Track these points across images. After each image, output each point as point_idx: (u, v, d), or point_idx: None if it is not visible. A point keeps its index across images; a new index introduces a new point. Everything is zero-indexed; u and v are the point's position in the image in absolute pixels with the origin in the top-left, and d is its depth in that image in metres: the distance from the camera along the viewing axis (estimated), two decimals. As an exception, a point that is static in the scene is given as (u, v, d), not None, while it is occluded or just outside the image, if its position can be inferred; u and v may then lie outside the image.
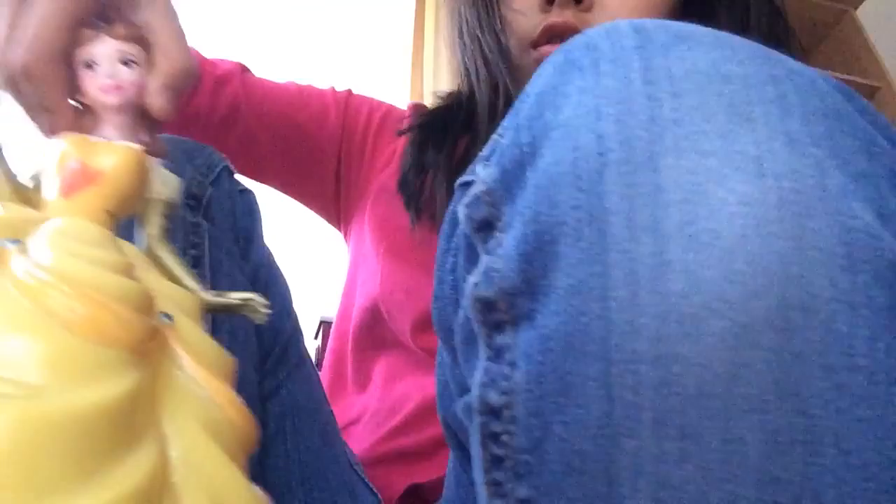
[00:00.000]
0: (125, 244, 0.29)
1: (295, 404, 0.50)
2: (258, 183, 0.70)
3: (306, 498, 0.48)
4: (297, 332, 0.54)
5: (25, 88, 0.33)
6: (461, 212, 0.28)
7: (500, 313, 0.26)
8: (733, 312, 0.21)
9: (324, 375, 0.69)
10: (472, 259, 0.28)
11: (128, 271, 0.25)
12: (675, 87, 0.23)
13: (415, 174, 0.62)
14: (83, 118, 0.33)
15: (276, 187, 0.73)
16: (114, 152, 0.31)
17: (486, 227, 0.27)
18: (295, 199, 0.74)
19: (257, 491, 0.25)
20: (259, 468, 0.46)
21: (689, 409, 0.21)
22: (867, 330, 0.21)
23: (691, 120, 0.23)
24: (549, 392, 0.24)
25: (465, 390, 0.29)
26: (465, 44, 0.63)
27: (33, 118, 0.34)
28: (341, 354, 0.68)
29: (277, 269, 0.54)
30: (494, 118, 0.58)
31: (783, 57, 0.25)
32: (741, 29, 0.56)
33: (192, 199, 0.46)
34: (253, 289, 0.48)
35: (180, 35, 0.35)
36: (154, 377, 0.24)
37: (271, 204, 0.60)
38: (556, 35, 0.57)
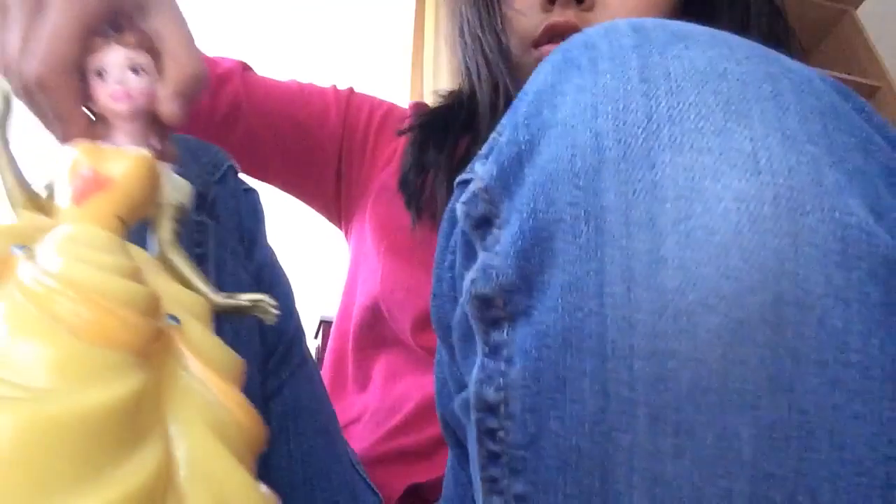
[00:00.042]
0: (135, 249, 0.30)
1: (297, 404, 0.50)
2: (259, 181, 0.70)
3: (309, 497, 0.48)
4: (299, 332, 0.54)
5: (39, 98, 0.33)
6: (459, 209, 0.29)
7: (496, 310, 0.26)
8: (728, 308, 0.21)
9: (324, 375, 0.69)
10: (470, 256, 0.28)
11: (135, 275, 0.25)
12: (673, 85, 0.24)
13: (415, 174, 0.62)
14: (96, 126, 0.34)
15: (277, 186, 0.73)
16: (124, 159, 0.32)
17: (483, 224, 0.27)
18: (296, 197, 0.74)
19: (264, 490, 0.26)
20: (262, 468, 0.46)
21: (683, 405, 0.21)
22: (861, 326, 0.21)
23: (688, 117, 0.23)
24: (545, 388, 0.24)
25: (462, 387, 0.29)
26: (465, 43, 0.63)
27: (47, 126, 0.34)
28: (342, 353, 0.68)
29: (281, 269, 0.54)
30: (495, 118, 0.58)
31: (780, 55, 0.25)
32: (741, 28, 0.56)
33: (198, 198, 0.46)
34: (257, 288, 0.48)
35: (189, 41, 0.36)
36: (159, 378, 0.24)
37: (271, 203, 0.60)
38: (557, 34, 0.57)
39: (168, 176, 0.34)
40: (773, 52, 0.25)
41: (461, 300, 0.28)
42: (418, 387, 0.58)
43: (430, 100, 0.72)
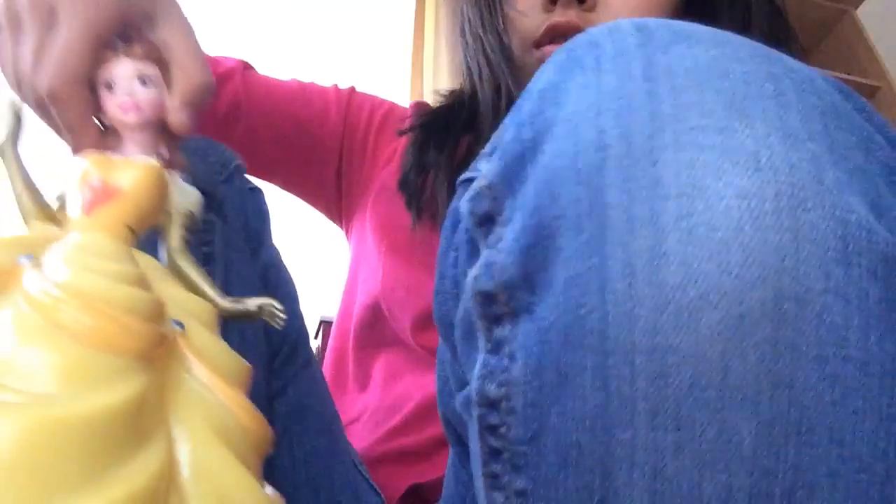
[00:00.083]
0: (143, 256, 0.30)
1: (301, 404, 0.50)
2: (260, 180, 0.70)
3: (312, 498, 0.48)
4: (304, 333, 0.54)
5: (52, 110, 0.34)
6: (463, 206, 0.29)
7: (499, 306, 0.26)
8: (729, 304, 0.21)
9: (325, 374, 0.69)
10: (474, 253, 0.28)
11: (140, 282, 0.26)
12: (676, 84, 0.24)
13: (416, 174, 0.62)
14: (107, 137, 0.35)
15: (277, 185, 0.73)
16: (133, 169, 0.32)
17: (487, 221, 0.28)
18: (297, 196, 0.74)
19: (269, 491, 0.26)
20: (266, 468, 0.46)
21: (684, 400, 0.21)
22: (860, 322, 0.21)
23: (690, 115, 0.23)
24: (547, 384, 0.24)
25: (464, 385, 0.30)
26: (467, 43, 0.63)
27: (61, 137, 0.35)
28: (342, 353, 0.68)
29: (285, 269, 0.54)
30: (497, 119, 0.58)
31: (782, 55, 0.25)
32: (742, 29, 0.56)
33: (205, 196, 0.46)
34: (263, 288, 0.49)
35: (197, 51, 0.36)
36: (163, 382, 0.24)
37: (270, 203, 0.60)
38: (559, 35, 0.57)
39: (177, 184, 0.35)
40: (775, 52, 0.25)
41: (464, 297, 0.28)
42: (418, 386, 0.58)
43: (431, 99, 0.72)
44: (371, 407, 0.62)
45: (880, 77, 1.48)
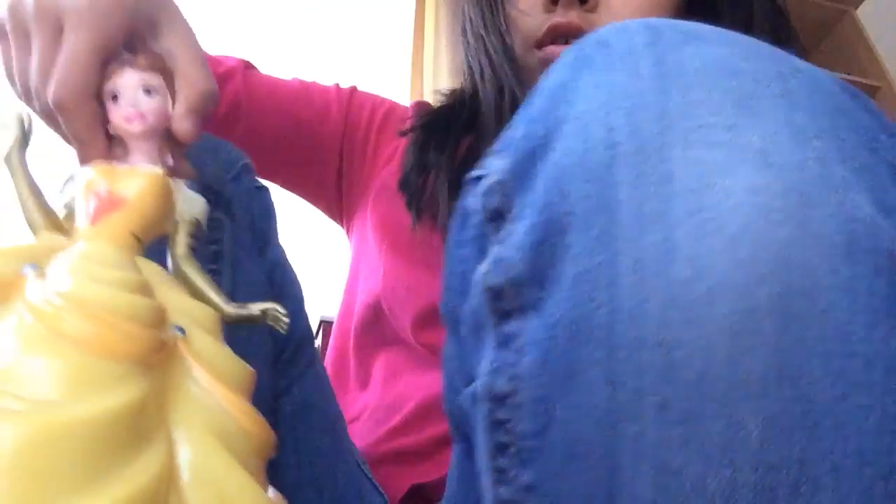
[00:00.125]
0: (148, 264, 0.31)
1: (306, 403, 0.50)
2: (261, 179, 0.70)
3: (316, 497, 0.48)
4: (309, 332, 0.54)
5: (60, 121, 0.34)
6: (474, 202, 0.29)
7: (509, 301, 0.26)
8: (737, 298, 0.21)
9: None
10: (483, 249, 0.28)
11: (142, 289, 0.26)
12: (685, 82, 0.24)
13: (416, 174, 0.62)
14: (114, 147, 0.35)
15: (279, 184, 0.73)
16: (138, 178, 0.33)
17: (497, 217, 0.28)
18: (298, 195, 0.74)
19: (272, 494, 0.26)
20: (270, 467, 0.46)
21: (691, 394, 0.21)
22: (866, 318, 0.21)
23: (700, 113, 0.23)
24: (555, 378, 0.24)
25: (470, 381, 0.30)
26: (468, 42, 0.63)
27: (70, 145, 0.36)
28: (343, 351, 0.68)
29: (291, 268, 0.54)
30: (501, 119, 0.57)
31: (789, 55, 0.26)
32: (744, 28, 0.56)
33: (213, 195, 0.46)
34: (269, 287, 0.49)
35: (201, 60, 0.37)
36: (164, 387, 0.25)
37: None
38: (560, 35, 0.57)
39: (182, 192, 0.35)
40: (782, 52, 0.26)
41: (472, 292, 0.29)
42: (418, 386, 0.58)
43: (432, 99, 0.72)
44: (371, 406, 0.62)
45: (880, 77, 1.48)
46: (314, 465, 0.49)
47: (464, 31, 0.64)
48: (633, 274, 0.23)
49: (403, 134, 0.66)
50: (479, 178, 0.29)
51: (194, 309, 0.30)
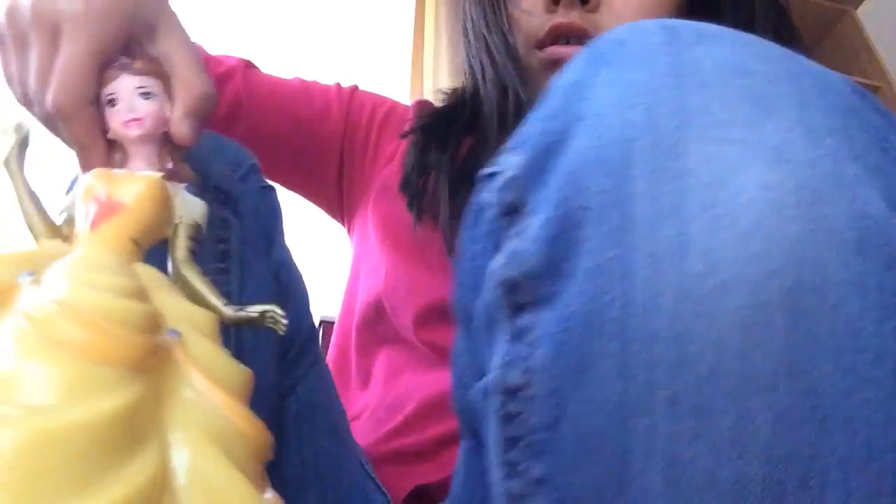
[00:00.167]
0: (147, 269, 0.31)
1: (310, 403, 0.50)
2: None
3: (319, 496, 0.48)
4: (313, 332, 0.54)
5: (60, 126, 0.35)
6: (488, 198, 0.29)
7: (523, 294, 0.27)
8: (749, 292, 0.21)
9: (328, 373, 0.69)
10: (498, 244, 0.29)
11: (137, 294, 0.27)
12: (701, 80, 0.25)
13: (417, 175, 0.62)
14: (115, 152, 0.36)
15: (280, 183, 0.73)
16: (136, 182, 0.33)
17: (512, 211, 0.28)
18: (299, 194, 0.74)
19: (270, 496, 0.27)
20: (274, 466, 0.46)
21: (703, 387, 0.22)
22: (876, 313, 0.21)
23: (716, 110, 0.24)
24: (568, 371, 0.25)
25: (481, 375, 0.30)
26: (469, 42, 0.63)
27: (74, 152, 0.36)
28: (344, 350, 0.68)
29: (297, 268, 0.54)
30: (503, 119, 0.57)
31: (800, 56, 0.26)
32: (746, 28, 0.56)
33: (221, 194, 0.47)
34: (276, 287, 0.49)
35: (198, 63, 0.37)
36: (159, 391, 0.25)
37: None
38: (561, 35, 0.57)
39: (182, 196, 0.35)
40: (793, 53, 0.26)
41: (486, 286, 0.29)
42: (419, 385, 0.58)
43: (434, 97, 0.72)
44: (372, 405, 0.62)
45: (880, 77, 1.48)
46: (318, 465, 0.49)
47: (465, 30, 0.63)
48: (648, 267, 0.23)
49: (404, 136, 0.66)
50: (492, 174, 0.30)
51: (192, 313, 0.30)
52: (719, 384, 0.22)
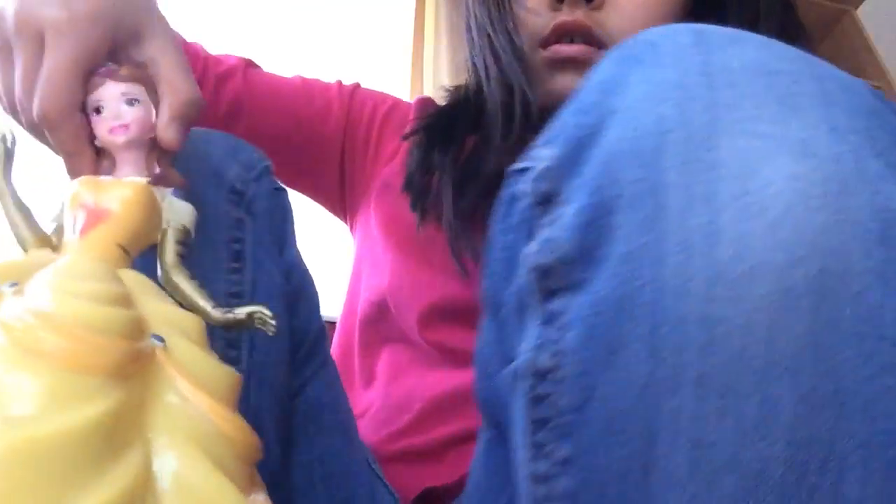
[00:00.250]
0: (134, 275, 0.31)
1: (319, 403, 0.51)
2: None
3: (327, 496, 0.48)
4: (323, 333, 0.54)
5: (47, 135, 0.35)
6: (523, 188, 0.30)
7: (555, 280, 0.28)
8: (777, 278, 0.22)
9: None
10: (531, 233, 0.29)
11: (120, 301, 0.27)
12: (731, 78, 0.26)
13: (420, 175, 0.62)
14: (102, 159, 0.36)
15: (282, 181, 0.73)
16: (123, 189, 0.33)
17: (546, 201, 0.29)
18: (301, 192, 0.74)
19: (261, 499, 0.27)
20: (283, 466, 0.47)
21: (729, 369, 0.22)
22: None
23: (745, 106, 0.25)
24: (597, 353, 0.25)
25: (509, 362, 0.31)
26: (473, 40, 0.62)
27: (62, 159, 0.36)
28: (347, 349, 0.68)
29: (307, 270, 0.54)
30: (509, 118, 0.57)
31: (823, 61, 0.27)
32: (751, 26, 0.56)
33: (236, 195, 0.47)
34: (287, 288, 0.49)
35: (184, 67, 0.37)
36: (142, 396, 0.25)
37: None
38: (566, 34, 0.57)
39: (170, 201, 0.35)
40: (815, 57, 0.27)
41: (519, 273, 0.30)
42: (425, 386, 0.58)
43: (436, 95, 0.72)
44: (377, 404, 0.62)
45: (880, 77, 1.48)
46: (326, 465, 0.49)
47: (468, 28, 0.63)
48: (679, 253, 0.24)
49: (406, 137, 0.66)
50: (523, 169, 0.31)
51: (180, 318, 0.31)
52: (745, 366, 0.22)
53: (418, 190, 0.61)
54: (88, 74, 0.35)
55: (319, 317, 0.55)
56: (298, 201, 0.75)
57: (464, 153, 0.62)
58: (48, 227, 0.34)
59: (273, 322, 0.32)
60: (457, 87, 0.69)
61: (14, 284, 0.26)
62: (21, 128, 0.38)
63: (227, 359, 0.42)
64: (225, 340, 0.43)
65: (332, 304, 0.84)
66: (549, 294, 0.28)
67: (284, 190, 0.54)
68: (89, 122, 0.35)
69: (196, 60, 0.67)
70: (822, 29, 1.60)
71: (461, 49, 0.66)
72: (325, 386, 0.52)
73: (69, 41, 0.34)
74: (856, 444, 0.22)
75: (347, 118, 0.71)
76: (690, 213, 0.24)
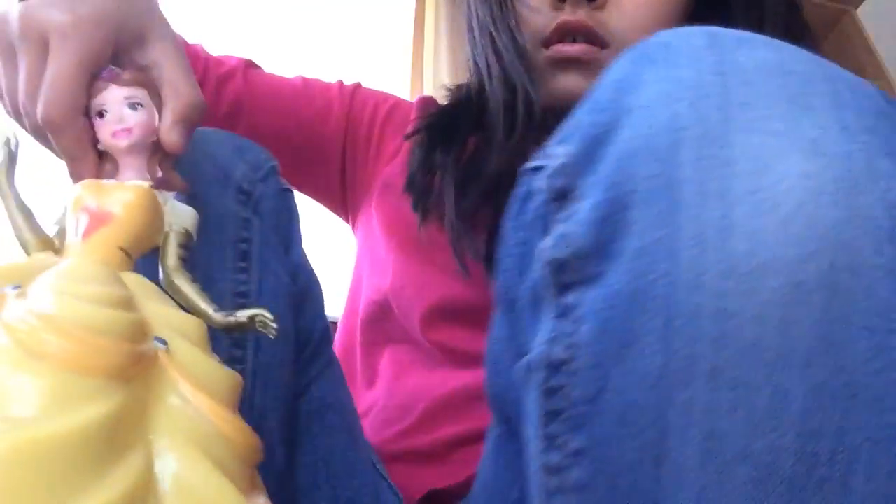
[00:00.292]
0: (135, 277, 0.32)
1: (324, 403, 0.51)
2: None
3: (332, 496, 0.49)
4: (328, 333, 0.54)
5: (51, 138, 0.35)
6: (538, 184, 0.31)
7: (570, 274, 0.28)
8: (789, 271, 0.23)
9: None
10: (546, 228, 0.30)
11: (123, 304, 0.27)
12: (744, 78, 0.26)
13: (422, 175, 0.62)
14: (105, 163, 0.36)
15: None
16: (125, 192, 0.34)
17: (561, 197, 0.29)
18: (302, 192, 0.74)
19: (261, 501, 0.27)
20: (287, 466, 0.47)
21: (742, 361, 0.23)
22: None
23: (759, 105, 0.25)
24: (611, 346, 0.26)
25: (522, 356, 0.31)
26: (475, 38, 0.62)
27: (65, 163, 0.36)
28: (350, 348, 0.68)
29: (313, 270, 0.55)
30: (511, 117, 0.57)
31: (833, 64, 0.28)
32: (757, 25, 0.56)
33: (243, 195, 0.47)
34: (293, 288, 0.49)
35: (187, 70, 0.37)
36: (144, 398, 0.25)
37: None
38: (568, 33, 0.57)
39: (172, 204, 0.36)
40: (825, 60, 0.28)
41: (534, 268, 0.30)
42: (428, 386, 0.58)
43: (438, 94, 0.72)
44: (380, 404, 0.62)
45: (880, 77, 1.48)
46: (330, 465, 0.49)
47: (470, 27, 0.63)
48: (693, 248, 0.24)
49: (408, 137, 0.66)
50: (537, 168, 0.31)
51: (181, 321, 0.31)
52: (758, 358, 0.23)
53: (420, 190, 0.61)
54: (92, 78, 0.35)
55: (325, 317, 0.55)
56: (299, 200, 0.76)
57: (466, 153, 0.62)
58: (50, 230, 0.34)
59: (274, 325, 0.33)
60: (458, 87, 0.68)
61: (17, 287, 0.26)
62: (24, 131, 0.38)
63: (232, 358, 0.43)
64: (230, 340, 0.43)
65: (332, 303, 0.84)
66: (564, 288, 0.28)
67: (291, 190, 0.54)
68: (92, 126, 0.35)
69: (197, 61, 0.67)
70: (822, 29, 1.59)
71: (461, 49, 0.66)
72: (330, 386, 0.52)
73: (73, 45, 0.34)
74: (864, 438, 0.22)
75: (348, 118, 0.71)
76: (704, 208, 0.24)
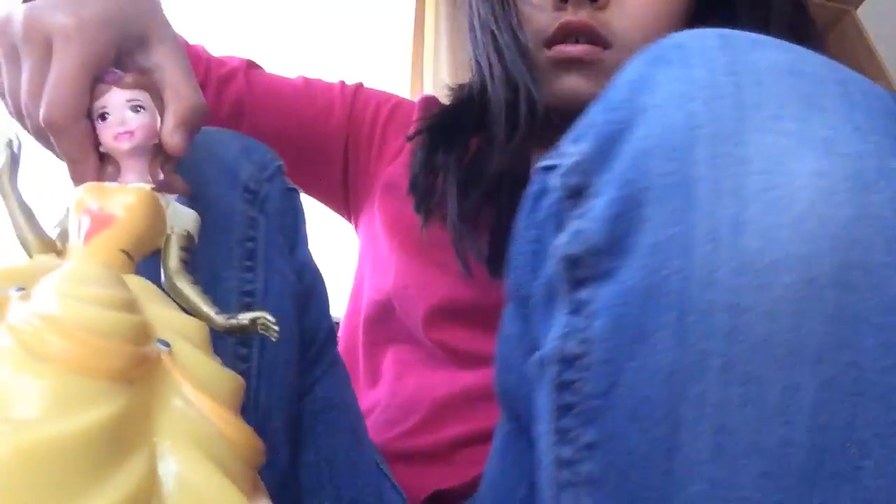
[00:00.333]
0: (138, 280, 0.32)
1: (328, 403, 0.51)
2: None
3: (335, 495, 0.49)
4: (332, 333, 0.54)
5: (52, 140, 0.35)
6: (552, 182, 0.31)
7: (584, 270, 0.28)
8: (802, 268, 0.23)
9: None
10: (560, 225, 0.30)
11: (126, 306, 0.27)
12: (757, 79, 0.27)
13: (424, 176, 0.61)
14: (107, 165, 0.36)
15: None
16: (127, 195, 0.34)
17: (576, 195, 0.30)
18: (305, 192, 0.74)
19: (260, 502, 0.27)
20: (291, 465, 0.47)
21: (754, 356, 0.23)
22: None
23: (772, 105, 0.26)
24: (624, 341, 0.26)
25: (533, 352, 0.31)
26: (476, 37, 0.62)
27: (67, 165, 0.36)
28: (352, 348, 0.68)
29: (318, 270, 0.55)
30: (514, 117, 0.57)
31: (843, 66, 0.28)
32: (763, 25, 0.56)
33: (250, 194, 0.47)
34: (298, 287, 0.49)
35: (189, 73, 0.38)
36: (147, 400, 0.26)
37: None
38: (571, 33, 0.56)
39: (173, 207, 0.36)
40: (835, 62, 0.28)
41: (548, 264, 0.30)
42: (431, 386, 0.58)
43: (441, 93, 0.71)
44: (383, 403, 0.62)
45: (880, 77, 1.48)
46: (334, 464, 0.49)
47: (471, 27, 0.63)
48: (707, 244, 0.24)
49: (411, 139, 0.66)
50: (550, 167, 0.31)
51: (184, 323, 0.31)
52: (769, 354, 0.23)
53: (422, 191, 0.61)
54: (94, 81, 0.35)
55: (330, 317, 0.55)
56: (303, 201, 0.75)
57: (468, 154, 0.62)
58: (52, 232, 0.35)
59: (276, 328, 0.33)
60: (461, 86, 0.68)
61: (21, 289, 0.26)
62: (27, 133, 0.38)
63: (237, 357, 0.43)
64: (236, 338, 0.43)
65: (333, 303, 0.84)
66: (578, 284, 0.28)
67: (296, 190, 0.54)
68: (94, 129, 0.35)
69: (198, 62, 0.67)
70: (822, 29, 1.59)
71: (462, 48, 0.66)
72: (335, 385, 0.52)
73: (77, 47, 0.34)
74: (874, 432, 0.23)
75: (350, 118, 0.71)
76: (718, 205, 0.25)
